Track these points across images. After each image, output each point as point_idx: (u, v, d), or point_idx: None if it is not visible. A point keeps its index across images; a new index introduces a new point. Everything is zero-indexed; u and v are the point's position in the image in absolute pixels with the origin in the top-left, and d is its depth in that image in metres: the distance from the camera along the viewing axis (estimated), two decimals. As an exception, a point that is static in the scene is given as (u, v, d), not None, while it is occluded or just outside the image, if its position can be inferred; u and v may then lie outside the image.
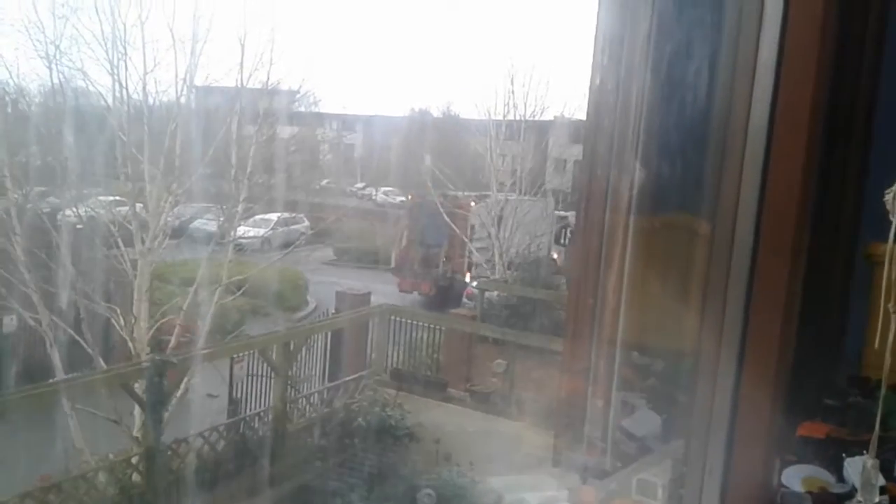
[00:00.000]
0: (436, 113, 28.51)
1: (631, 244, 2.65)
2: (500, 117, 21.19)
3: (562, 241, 24.23)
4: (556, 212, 24.81)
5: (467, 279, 22.20)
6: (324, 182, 25.02)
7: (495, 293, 17.74)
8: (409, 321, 13.90)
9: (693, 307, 2.60)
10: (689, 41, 2.53)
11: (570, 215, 25.37)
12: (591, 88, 2.69)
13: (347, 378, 12.16)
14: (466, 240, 22.28)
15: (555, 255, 24.93)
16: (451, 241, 22.86)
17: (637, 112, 2.55)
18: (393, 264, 23.48)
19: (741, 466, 2.45)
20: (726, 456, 2.44)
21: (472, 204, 22.87)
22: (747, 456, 2.45)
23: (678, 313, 2.74)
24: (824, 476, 2.70)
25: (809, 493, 2.57)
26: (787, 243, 2.41)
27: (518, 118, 21.19)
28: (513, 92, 20.94)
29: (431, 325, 14.02)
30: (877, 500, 2.23)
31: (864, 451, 2.29)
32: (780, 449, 2.69)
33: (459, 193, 22.78)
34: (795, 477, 2.66)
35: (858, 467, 2.40)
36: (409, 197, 24.21)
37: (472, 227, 22.63)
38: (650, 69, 2.50)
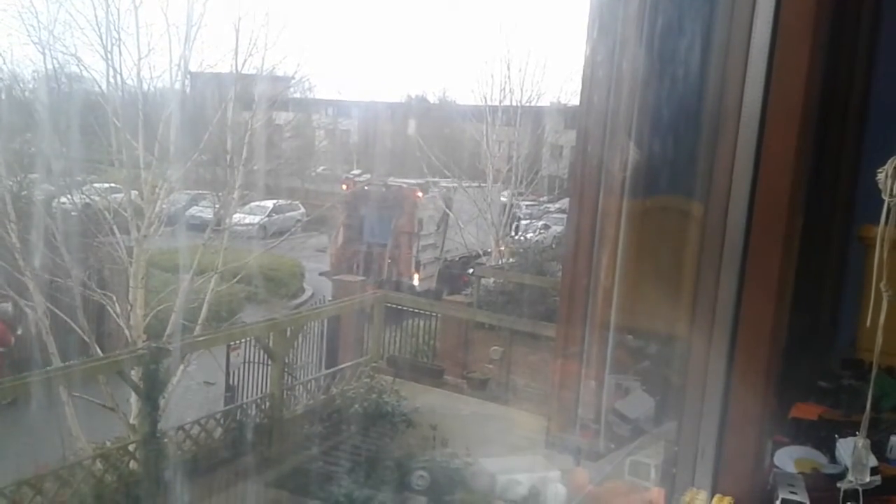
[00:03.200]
0: (432, 99, 28.44)
1: (624, 226, 2.65)
2: (497, 103, 21.14)
3: (516, 233, 22.49)
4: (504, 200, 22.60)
5: (415, 282, 20.31)
6: (319, 169, 24.92)
7: (492, 280, 17.74)
8: (405, 308, 13.92)
9: (686, 290, 2.60)
10: (682, 19, 2.52)
11: (525, 204, 24.92)
12: (584, 65, 2.68)
13: (344, 365, 12.17)
14: (414, 235, 20.20)
15: (502, 247, 22.79)
16: (397, 237, 20.30)
17: (630, 90, 2.54)
18: (328, 266, 20.42)
19: (734, 447, 2.46)
20: (719, 437, 2.45)
21: (420, 194, 20.51)
22: (740, 437, 2.46)
23: (672, 296, 2.74)
24: (817, 457, 2.71)
25: (802, 473, 2.58)
26: (780, 226, 2.41)
27: (514, 104, 21.13)
28: (509, 77, 20.90)
29: (428, 312, 14.04)
30: (868, 479, 2.24)
31: (857, 433, 2.30)
32: (772, 430, 2.70)
33: (404, 182, 20.75)
34: (788, 458, 2.68)
35: (850, 448, 2.41)
36: (345, 186, 20.76)
37: (421, 220, 20.48)
38: (643, 45, 2.50)
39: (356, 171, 25.22)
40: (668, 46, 2.50)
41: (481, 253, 21.96)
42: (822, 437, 2.82)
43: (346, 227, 19.89)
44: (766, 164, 2.37)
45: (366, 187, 19.98)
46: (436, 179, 21.43)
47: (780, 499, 2.33)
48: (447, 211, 20.98)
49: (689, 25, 2.49)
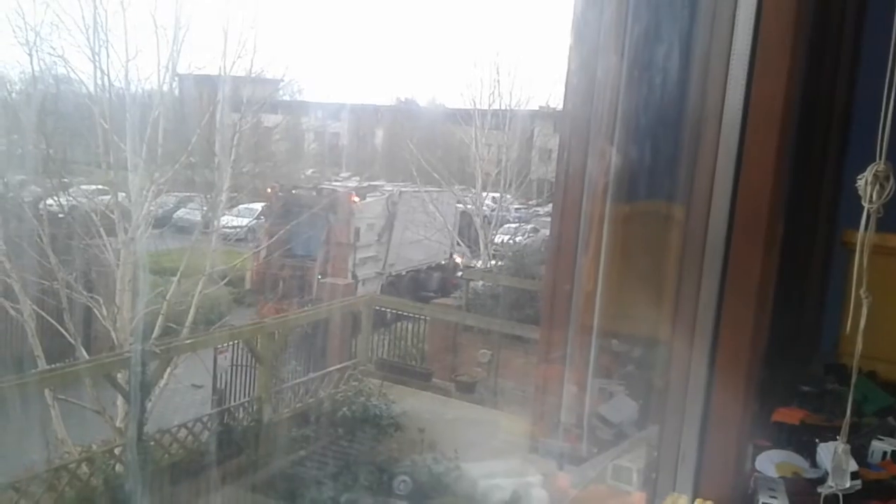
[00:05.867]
0: (422, 102, 28.42)
1: (607, 230, 2.66)
2: (486, 107, 21.14)
3: (466, 241, 20.91)
4: (459, 206, 21.33)
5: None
6: (308, 171, 24.86)
7: (480, 283, 17.72)
8: (394, 311, 13.91)
9: (669, 293, 2.61)
10: (661, 25, 2.54)
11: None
12: (566, 70, 2.69)
13: (332, 368, 12.14)
14: (350, 246, 17.95)
15: (458, 259, 21.51)
16: (329, 249, 17.83)
17: (613, 95, 2.55)
18: (248, 285, 17.30)
19: (715, 451, 2.46)
20: (700, 441, 2.46)
21: (355, 199, 18.32)
22: (721, 441, 2.46)
23: (654, 300, 2.75)
24: (798, 461, 2.72)
25: (783, 478, 2.59)
26: (761, 230, 2.42)
27: (504, 108, 21.15)
28: (498, 81, 20.90)
29: (416, 315, 14.02)
30: (848, 485, 2.25)
31: (837, 437, 2.31)
32: (754, 434, 2.71)
33: (338, 185, 18.79)
34: (769, 462, 2.68)
35: (831, 453, 2.42)
36: (270, 190, 17.41)
37: (357, 230, 18.16)
38: (623, 52, 2.51)
39: (345, 174, 24.95)
40: (646, 53, 2.51)
41: (435, 264, 20.43)
42: (803, 441, 2.83)
43: (269, 239, 15.65)
44: (747, 168, 2.38)
45: (293, 191, 16.81)
46: (378, 183, 19.69)
47: (760, 503, 2.33)
48: (392, 218, 18.93)
49: (668, 31, 2.51)
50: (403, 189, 19.85)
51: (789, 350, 3.25)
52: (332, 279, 16.91)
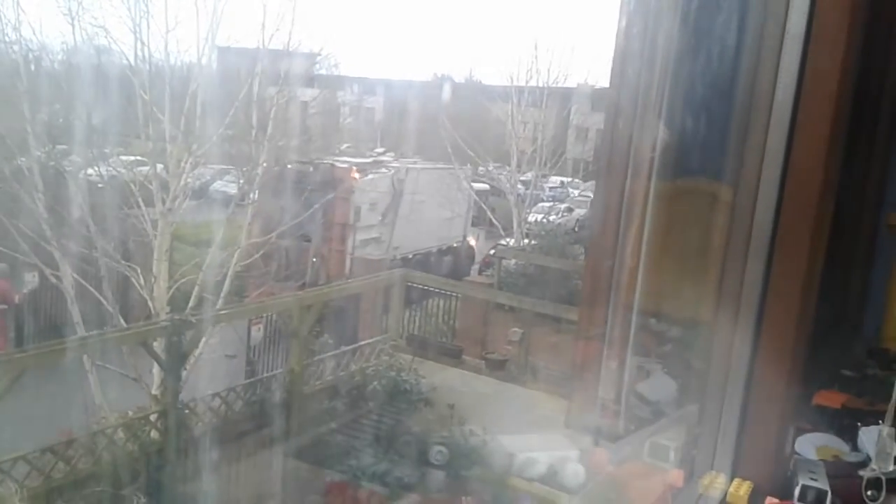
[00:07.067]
0: (458, 78, 28.28)
1: (651, 208, 2.63)
2: (523, 83, 20.97)
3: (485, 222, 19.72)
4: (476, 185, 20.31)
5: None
6: (343, 146, 24.89)
7: (513, 261, 17.68)
8: (426, 287, 13.95)
9: (712, 274, 2.59)
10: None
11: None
12: (616, 39, 2.64)
13: (363, 342, 12.23)
14: (349, 227, 16.90)
15: (472, 242, 20.52)
16: (327, 230, 16.67)
17: (662, 67, 2.51)
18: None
19: (755, 432, 2.45)
20: (740, 422, 2.44)
21: (356, 176, 17.18)
22: (761, 422, 2.45)
23: (697, 280, 2.73)
24: (839, 445, 2.70)
25: (823, 461, 2.57)
26: (811, 211, 2.39)
27: (541, 85, 20.95)
28: (536, 58, 20.71)
29: (448, 292, 14.05)
30: (892, 468, 2.23)
31: (880, 421, 2.28)
32: (795, 417, 2.69)
33: (338, 161, 17.46)
34: (810, 445, 2.67)
35: (874, 436, 2.40)
36: (264, 165, 14.42)
37: (358, 209, 17.08)
38: (679, 19, 2.47)
39: (379, 150, 24.84)
40: (704, 22, 2.46)
41: (447, 248, 19.30)
42: (844, 425, 2.81)
43: (261, 218, 14.02)
44: (798, 148, 2.34)
45: (289, 166, 15.03)
46: (385, 159, 18.49)
47: (800, 485, 2.32)
48: (398, 196, 17.65)
49: (727, 1, 2.46)
50: (411, 165, 18.74)
51: (832, 333, 3.21)
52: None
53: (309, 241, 16.24)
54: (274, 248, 14.83)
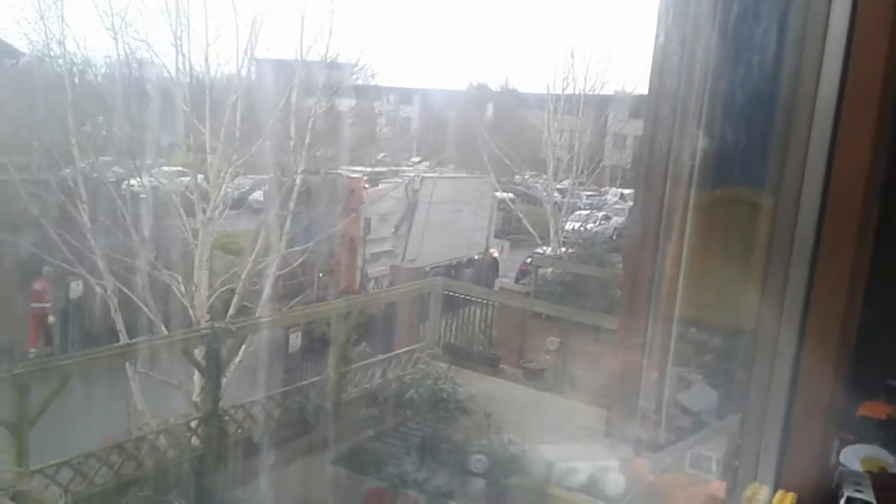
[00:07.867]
0: (494, 87, 28.31)
1: (691, 217, 2.61)
2: (559, 91, 20.94)
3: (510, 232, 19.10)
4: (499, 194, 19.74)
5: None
6: (380, 155, 25.03)
7: (549, 270, 17.61)
8: (462, 296, 13.95)
9: (753, 283, 2.56)
10: (759, 3, 2.47)
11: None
12: (654, 50, 2.63)
13: (401, 350, 12.27)
14: (358, 240, 16.29)
15: (495, 253, 19.74)
16: (335, 243, 15.82)
17: (702, 75, 2.50)
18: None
19: (799, 443, 2.41)
20: (783, 432, 2.41)
21: (366, 187, 16.62)
22: (805, 433, 2.41)
23: (738, 289, 2.70)
24: (885, 457, 2.65)
25: (869, 472, 2.52)
26: (854, 219, 2.35)
27: (577, 92, 20.90)
28: (573, 66, 20.68)
29: (485, 301, 14.04)
30: (940, 482, 2.18)
31: (928, 433, 2.24)
32: (839, 428, 2.64)
33: (347, 171, 16.75)
34: (855, 456, 2.62)
35: (921, 448, 2.35)
36: (271, 175, 14.24)
37: (368, 221, 16.41)
38: (717, 30, 2.45)
39: (415, 159, 24.83)
40: (742, 31, 2.44)
41: (467, 260, 18.63)
42: (890, 436, 2.75)
43: (269, 229, 13.27)
44: (841, 155, 2.31)
45: (296, 177, 13.79)
46: (399, 168, 17.92)
47: (845, 497, 2.28)
48: (412, 207, 16.87)
49: (766, 10, 2.44)
50: (426, 175, 18.25)
51: (877, 343, 3.15)
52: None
53: (313, 254, 14.85)
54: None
